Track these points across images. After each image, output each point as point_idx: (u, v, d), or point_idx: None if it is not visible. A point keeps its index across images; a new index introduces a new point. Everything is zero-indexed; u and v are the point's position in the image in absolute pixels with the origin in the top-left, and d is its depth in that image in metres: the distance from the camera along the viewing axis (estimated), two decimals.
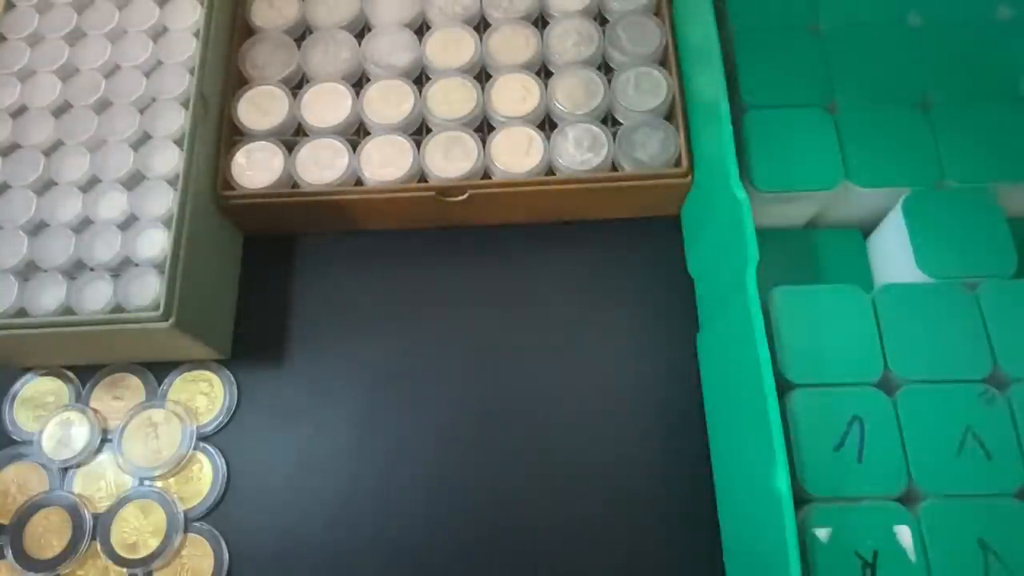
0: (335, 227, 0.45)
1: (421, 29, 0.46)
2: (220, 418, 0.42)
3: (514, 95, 0.43)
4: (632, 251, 0.45)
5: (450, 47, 0.45)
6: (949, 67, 0.39)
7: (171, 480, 0.41)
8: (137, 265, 0.39)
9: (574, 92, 0.43)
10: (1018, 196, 0.37)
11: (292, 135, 0.44)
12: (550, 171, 0.43)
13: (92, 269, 0.39)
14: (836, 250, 0.40)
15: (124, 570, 0.39)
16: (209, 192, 0.41)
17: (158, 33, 0.44)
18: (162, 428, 0.42)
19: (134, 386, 0.43)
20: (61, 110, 0.42)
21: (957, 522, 0.30)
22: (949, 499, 0.31)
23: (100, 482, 0.41)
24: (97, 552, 0.40)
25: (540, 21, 0.46)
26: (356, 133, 0.44)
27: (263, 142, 0.43)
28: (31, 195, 0.40)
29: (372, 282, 0.45)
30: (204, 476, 0.41)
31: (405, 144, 0.42)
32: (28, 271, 0.39)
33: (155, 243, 0.39)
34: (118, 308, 0.38)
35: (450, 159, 0.42)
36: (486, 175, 0.43)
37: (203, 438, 0.42)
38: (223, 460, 0.41)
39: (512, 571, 0.39)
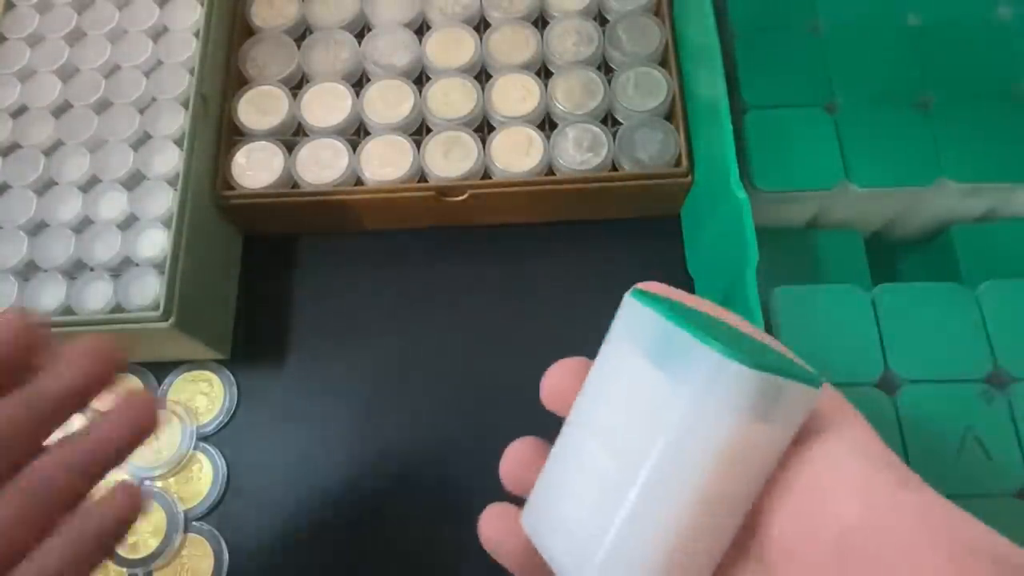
0: (335, 227, 0.45)
1: (421, 29, 0.46)
2: (220, 418, 0.42)
3: (514, 95, 0.43)
4: (632, 251, 0.45)
5: (450, 47, 0.45)
6: (949, 67, 0.39)
7: (171, 480, 0.41)
8: (137, 265, 0.39)
9: (574, 92, 0.43)
10: (1019, 196, 0.37)
11: (292, 135, 0.44)
12: (550, 171, 0.43)
13: (92, 269, 0.39)
14: (836, 250, 0.40)
15: (124, 570, 0.39)
16: (209, 192, 0.41)
17: (158, 33, 0.44)
18: (162, 428, 0.42)
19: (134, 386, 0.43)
20: (61, 110, 0.42)
21: None
22: (949, 499, 0.31)
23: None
24: None
25: (540, 21, 0.46)
26: (356, 133, 0.44)
27: (263, 142, 0.43)
28: (31, 195, 0.40)
29: (372, 282, 0.45)
30: (204, 476, 0.41)
31: (405, 144, 0.42)
32: (28, 271, 0.39)
33: (155, 243, 0.39)
34: (118, 308, 0.38)
35: (450, 159, 0.42)
36: (486, 175, 0.43)
37: (203, 438, 0.42)
38: (223, 460, 0.41)
39: None
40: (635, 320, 0.20)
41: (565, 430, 0.22)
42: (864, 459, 0.19)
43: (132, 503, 0.25)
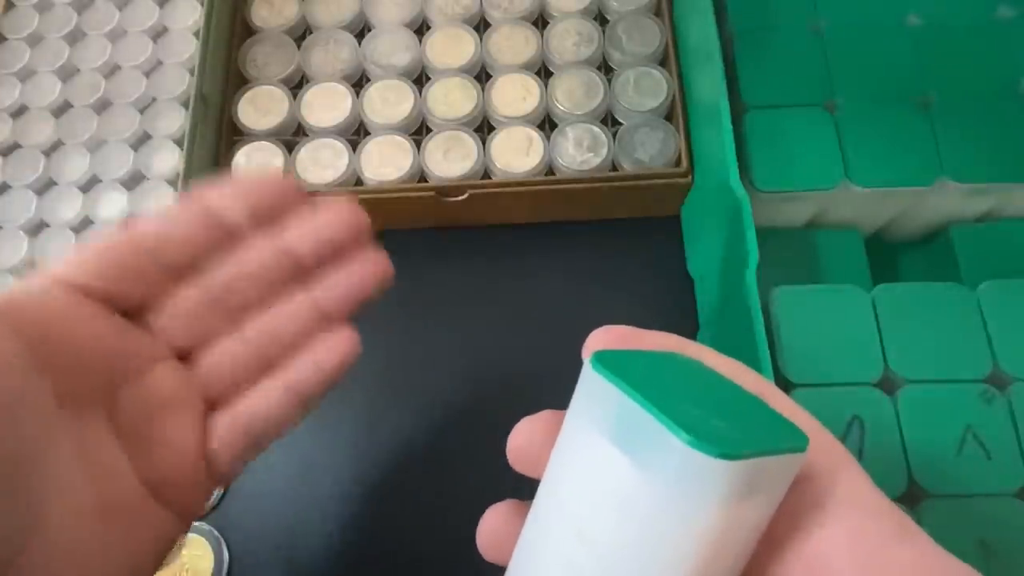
0: None
1: (421, 29, 0.46)
2: None
3: (514, 95, 0.43)
4: (632, 251, 0.45)
5: (450, 47, 0.45)
6: (949, 67, 0.39)
7: None
8: None
9: (574, 92, 0.43)
10: (1019, 196, 0.37)
11: (292, 135, 0.44)
12: (550, 171, 0.43)
13: None
14: (836, 250, 0.40)
15: None
16: None
17: (158, 33, 0.44)
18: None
19: None
20: (61, 110, 0.42)
21: (957, 522, 0.30)
22: (949, 499, 0.31)
23: None
24: None
25: (540, 21, 0.46)
26: (356, 133, 0.44)
27: (263, 142, 0.43)
28: (31, 195, 0.40)
29: None
30: None
31: (405, 144, 0.42)
32: (28, 271, 0.39)
33: None
34: None
35: (450, 159, 0.42)
36: (486, 175, 0.43)
37: None
38: None
39: None
40: (596, 397, 0.18)
41: (535, 509, 0.20)
42: (859, 513, 0.19)
43: (339, 348, 0.26)
